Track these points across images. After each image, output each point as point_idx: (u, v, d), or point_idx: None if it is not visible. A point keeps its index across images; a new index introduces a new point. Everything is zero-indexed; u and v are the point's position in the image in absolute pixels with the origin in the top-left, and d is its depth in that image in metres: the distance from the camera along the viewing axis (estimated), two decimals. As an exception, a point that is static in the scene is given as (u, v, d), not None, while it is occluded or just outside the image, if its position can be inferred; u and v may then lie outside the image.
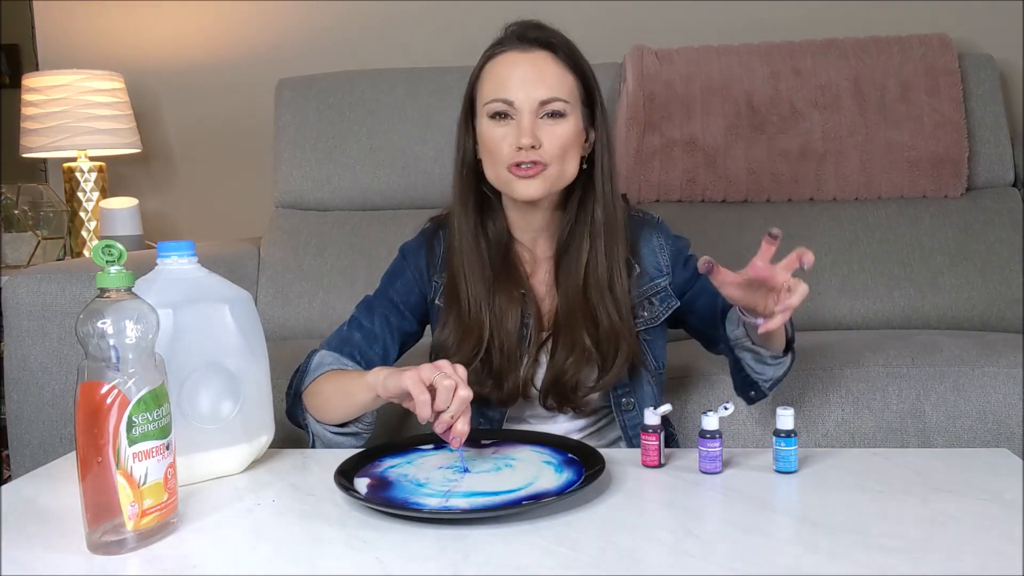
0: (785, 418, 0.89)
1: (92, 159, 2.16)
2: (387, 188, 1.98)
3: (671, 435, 1.20)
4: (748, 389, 1.13)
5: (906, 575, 0.65)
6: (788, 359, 1.09)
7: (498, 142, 1.05)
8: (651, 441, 0.91)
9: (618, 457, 0.94)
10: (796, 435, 0.89)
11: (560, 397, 1.09)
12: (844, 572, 0.66)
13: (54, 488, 0.91)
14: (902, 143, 1.87)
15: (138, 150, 2.19)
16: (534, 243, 1.14)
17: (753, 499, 0.82)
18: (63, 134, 2.05)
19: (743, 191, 1.91)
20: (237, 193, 2.34)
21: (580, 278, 1.09)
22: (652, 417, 0.91)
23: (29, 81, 2.08)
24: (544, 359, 1.11)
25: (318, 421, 1.04)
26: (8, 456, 1.53)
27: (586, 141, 1.10)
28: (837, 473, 0.88)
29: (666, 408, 0.93)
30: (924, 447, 1.30)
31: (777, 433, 0.89)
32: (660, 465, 0.92)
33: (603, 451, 0.91)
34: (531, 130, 1.03)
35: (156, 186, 2.38)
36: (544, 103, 1.04)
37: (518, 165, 1.04)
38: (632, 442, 1.13)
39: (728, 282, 0.94)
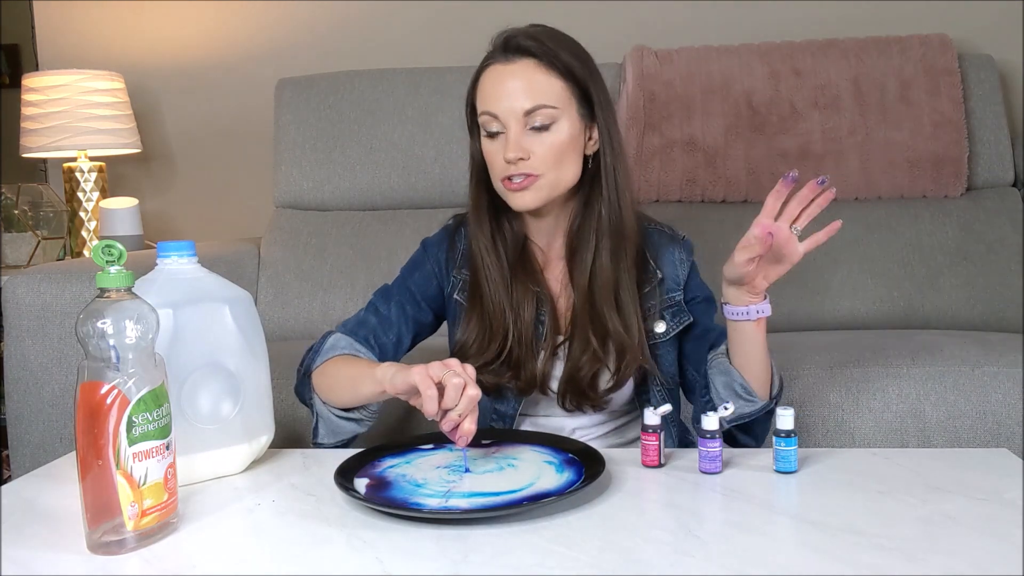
0: (785, 418, 0.89)
1: (92, 159, 2.16)
2: (387, 188, 1.98)
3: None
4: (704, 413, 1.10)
5: (906, 575, 0.65)
6: (760, 405, 1.03)
7: (491, 156, 1.06)
8: (651, 441, 0.91)
9: (618, 457, 0.94)
10: (796, 435, 0.89)
11: (578, 396, 1.09)
12: (844, 572, 0.66)
13: (54, 488, 0.91)
14: (902, 143, 1.87)
15: (138, 150, 2.19)
16: (548, 244, 1.14)
17: (753, 499, 0.82)
18: (63, 134, 2.05)
19: (743, 191, 1.91)
20: (237, 193, 2.34)
21: (587, 280, 1.09)
22: (652, 417, 0.91)
23: (29, 81, 2.08)
24: (562, 354, 1.10)
25: (324, 402, 1.04)
26: (8, 456, 1.53)
27: (590, 139, 1.08)
28: (837, 473, 0.88)
29: (666, 408, 0.93)
30: (924, 447, 1.30)
31: (777, 433, 0.89)
32: (660, 465, 0.92)
33: (603, 451, 0.91)
34: (517, 143, 1.03)
35: (156, 186, 2.38)
36: (529, 113, 1.03)
37: (509, 178, 1.04)
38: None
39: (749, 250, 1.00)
